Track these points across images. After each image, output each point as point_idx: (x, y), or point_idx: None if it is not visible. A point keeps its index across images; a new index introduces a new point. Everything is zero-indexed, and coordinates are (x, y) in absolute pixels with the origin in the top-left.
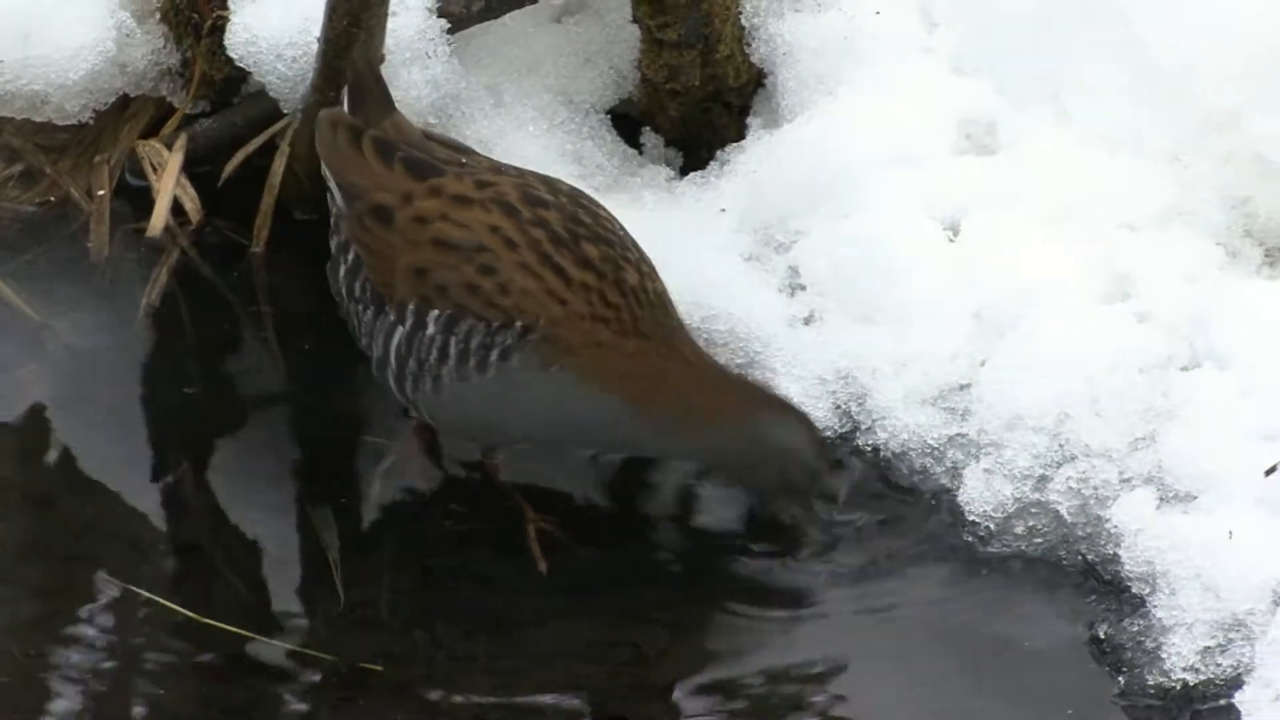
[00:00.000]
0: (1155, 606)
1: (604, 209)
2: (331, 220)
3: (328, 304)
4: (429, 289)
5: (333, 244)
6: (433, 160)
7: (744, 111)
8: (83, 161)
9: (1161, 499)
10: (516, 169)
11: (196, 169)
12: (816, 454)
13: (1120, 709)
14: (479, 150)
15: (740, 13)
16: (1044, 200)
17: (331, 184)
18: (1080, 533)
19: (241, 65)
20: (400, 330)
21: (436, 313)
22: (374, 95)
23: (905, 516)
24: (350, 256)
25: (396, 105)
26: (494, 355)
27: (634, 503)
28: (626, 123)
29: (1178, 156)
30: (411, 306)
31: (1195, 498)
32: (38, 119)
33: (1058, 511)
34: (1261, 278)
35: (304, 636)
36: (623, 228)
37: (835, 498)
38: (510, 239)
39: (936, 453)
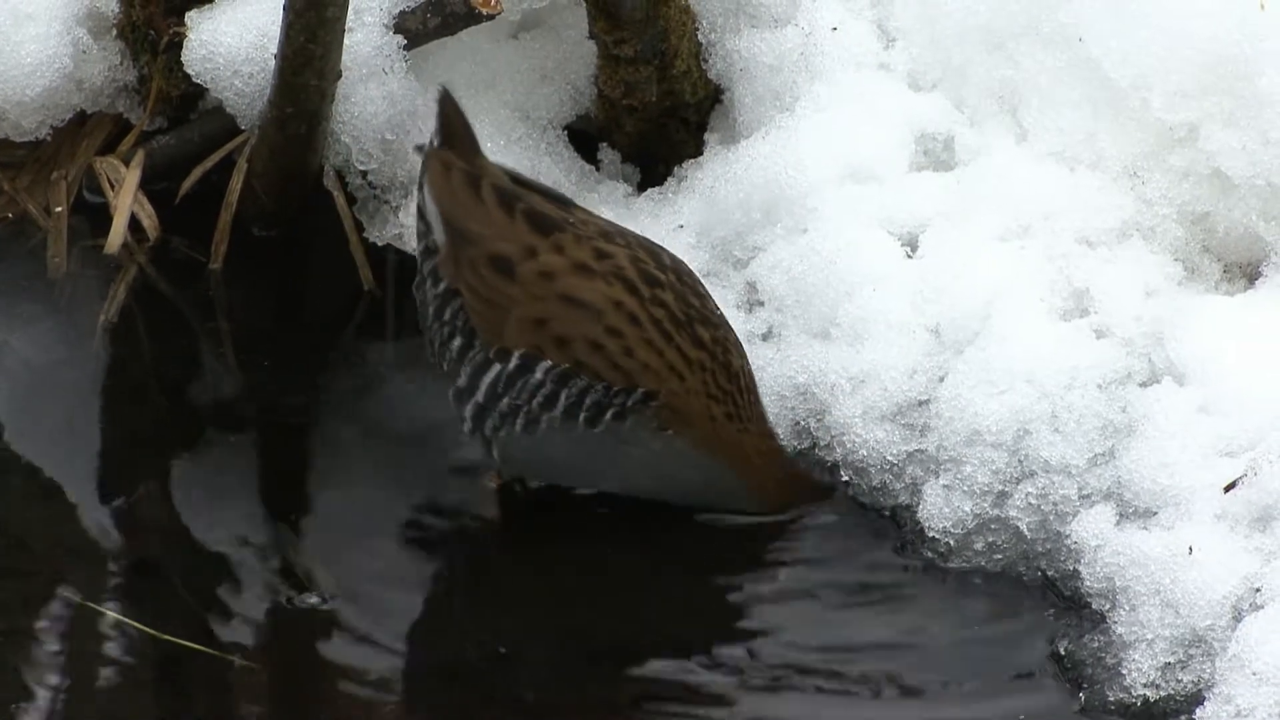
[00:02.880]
0: (1115, 622)
1: (701, 284)
2: (419, 248)
3: (286, 320)
4: (545, 339)
5: (424, 267)
6: (550, 214)
7: (701, 127)
8: (40, 178)
9: (1121, 515)
10: (620, 232)
11: (154, 185)
12: None
13: None
14: None
15: (697, 29)
16: (1002, 216)
17: (436, 221)
18: (1040, 549)
19: (198, 81)
20: (497, 368)
21: (549, 364)
22: (466, 138)
23: (864, 533)
24: (443, 285)
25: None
26: (609, 415)
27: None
28: (584, 139)
29: (1136, 172)
30: (519, 352)
31: (1155, 513)
32: None
33: (1017, 527)
34: (1220, 293)
35: (260, 652)
36: (716, 304)
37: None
38: (634, 314)
39: (896, 469)
